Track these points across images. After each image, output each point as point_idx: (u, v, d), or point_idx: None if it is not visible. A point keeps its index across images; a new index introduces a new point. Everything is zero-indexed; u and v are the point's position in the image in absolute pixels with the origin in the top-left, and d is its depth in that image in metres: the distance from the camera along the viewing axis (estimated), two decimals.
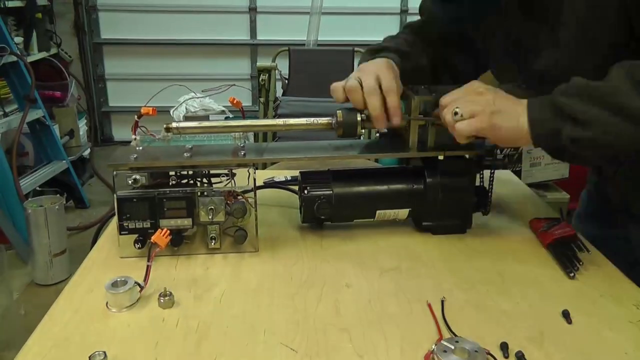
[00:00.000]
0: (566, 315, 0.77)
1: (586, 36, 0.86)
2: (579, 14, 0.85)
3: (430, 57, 1.12)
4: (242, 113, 1.02)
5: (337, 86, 0.97)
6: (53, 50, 4.23)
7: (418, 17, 1.18)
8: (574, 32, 0.87)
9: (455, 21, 1.07)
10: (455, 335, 0.72)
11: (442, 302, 0.80)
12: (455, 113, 0.86)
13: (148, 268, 0.82)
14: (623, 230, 1.04)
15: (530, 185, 1.47)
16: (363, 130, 0.97)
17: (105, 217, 1.58)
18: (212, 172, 0.93)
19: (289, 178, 1.20)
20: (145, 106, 0.91)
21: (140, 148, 0.94)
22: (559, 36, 0.89)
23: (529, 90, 0.90)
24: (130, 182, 0.89)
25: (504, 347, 0.70)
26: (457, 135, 0.87)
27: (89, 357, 0.66)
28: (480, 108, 0.85)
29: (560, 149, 0.85)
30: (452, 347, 0.68)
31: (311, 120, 0.97)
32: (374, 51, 1.07)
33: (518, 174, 2.45)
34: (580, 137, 0.80)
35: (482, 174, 1.03)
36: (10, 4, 3.57)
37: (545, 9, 0.90)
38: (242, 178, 0.92)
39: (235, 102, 1.03)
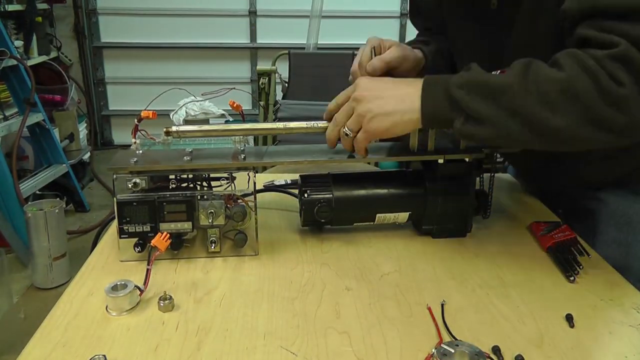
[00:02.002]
0: (569, 319, 0.77)
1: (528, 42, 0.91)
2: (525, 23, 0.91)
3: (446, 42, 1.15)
4: (242, 116, 1.02)
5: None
6: (53, 54, 4.24)
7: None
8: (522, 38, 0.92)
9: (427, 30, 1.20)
10: (456, 339, 0.72)
11: (442, 305, 0.80)
12: (346, 134, 0.89)
13: (148, 271, 0.82)
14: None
15: None
16: None
17: (105, 221, 1.58)
18: (212, 175, 0.93)
19: (289, 181, 1.20)
20: (145, 110, 0.92)
21: (140, 152, 0.94)
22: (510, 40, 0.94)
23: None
24: (130, 185, 0.89)
25: (496, 351, 0.70)
26: (357, 150, 0.90)
27: None
28: (360, 119, 0.87)
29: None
30: (452, 351, 0.68)
31: (311, 123, 0.97)
32: None
33: None
34: (472, 133, 0.82)
35: (482, 177, 1.03)
36: (10, 8, 3.58)
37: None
38: (242, 181, 0.92)
39: (235, 105, 1.03)
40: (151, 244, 0.83)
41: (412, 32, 1.29)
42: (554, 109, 0.76)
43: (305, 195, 0.98)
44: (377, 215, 1.00)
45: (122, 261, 0.92)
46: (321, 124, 0.96)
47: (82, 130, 4.21)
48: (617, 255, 0.96)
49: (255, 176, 0.92)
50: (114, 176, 0.89)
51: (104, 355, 0.67)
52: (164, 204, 0.89)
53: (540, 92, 0.76)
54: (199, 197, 0.90)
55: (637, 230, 1.01)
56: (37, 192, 3.12)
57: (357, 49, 1.06)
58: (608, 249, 0.97)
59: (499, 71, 0.81)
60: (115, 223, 0.91)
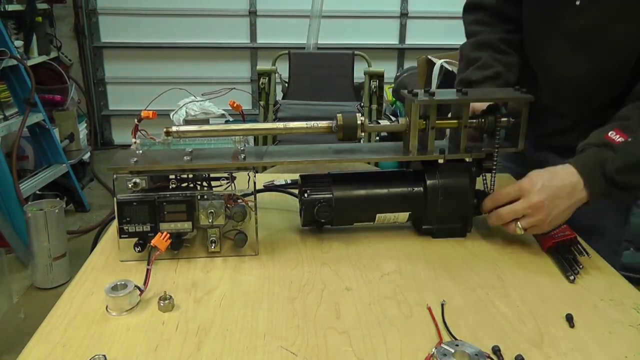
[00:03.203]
0: (569, 319, 0.77)
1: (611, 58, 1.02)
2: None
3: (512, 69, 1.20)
4: (242, 116, 1.02)
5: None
6: (53, 54, 4.24)
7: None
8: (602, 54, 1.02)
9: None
10: (456, 339, 0.72)
11: (442, 305, 0.80)
12: (518, 228, 0.94)
13: (148, 271, 0.82)
14: None
15: None
16: (363, 134, 0.97)
17: (105, 221, 1.58)
18: (212, 175, 0.93)
19: (289, 181, 1.20)
20: (145, 110, 0.92)
21: (141, 151, 0.94)
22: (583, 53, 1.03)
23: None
24: (130, 185, 0.89)
25: (496, 351, 0.70)
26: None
27: None
28: (539, 222, 0.93)
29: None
30: (452, 351, 0.68)
31: (311, 123, 0.97)
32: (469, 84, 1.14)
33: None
34: (625, 196, 0.94)
35: (483, 177, 1.03)
36: (10, 8, 3.58)
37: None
38: (242, 181, 0.92)
39: (235, 105, 1.03)
40: (151, 244, 0.83)
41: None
42: None
43: (305, 195, 0.98)
44: (377, 215, 1.00)
45: (122, 261, 0.92)
46: (321, 124, 0.96)
47: (82, 130, 4.20)
48: (591, 220, 1.02)
49: (255, 176, 0.92)
50: (114, 176, 0.89)
51: (104, 355, 0.67)
52: (164, 204, 0.89)
53: None
54: (199, 197, 0.90)
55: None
56: (37, 192, 3.11)
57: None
58: (582, 216, 0.99)
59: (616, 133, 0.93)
60: (115, 223, 0.91)
